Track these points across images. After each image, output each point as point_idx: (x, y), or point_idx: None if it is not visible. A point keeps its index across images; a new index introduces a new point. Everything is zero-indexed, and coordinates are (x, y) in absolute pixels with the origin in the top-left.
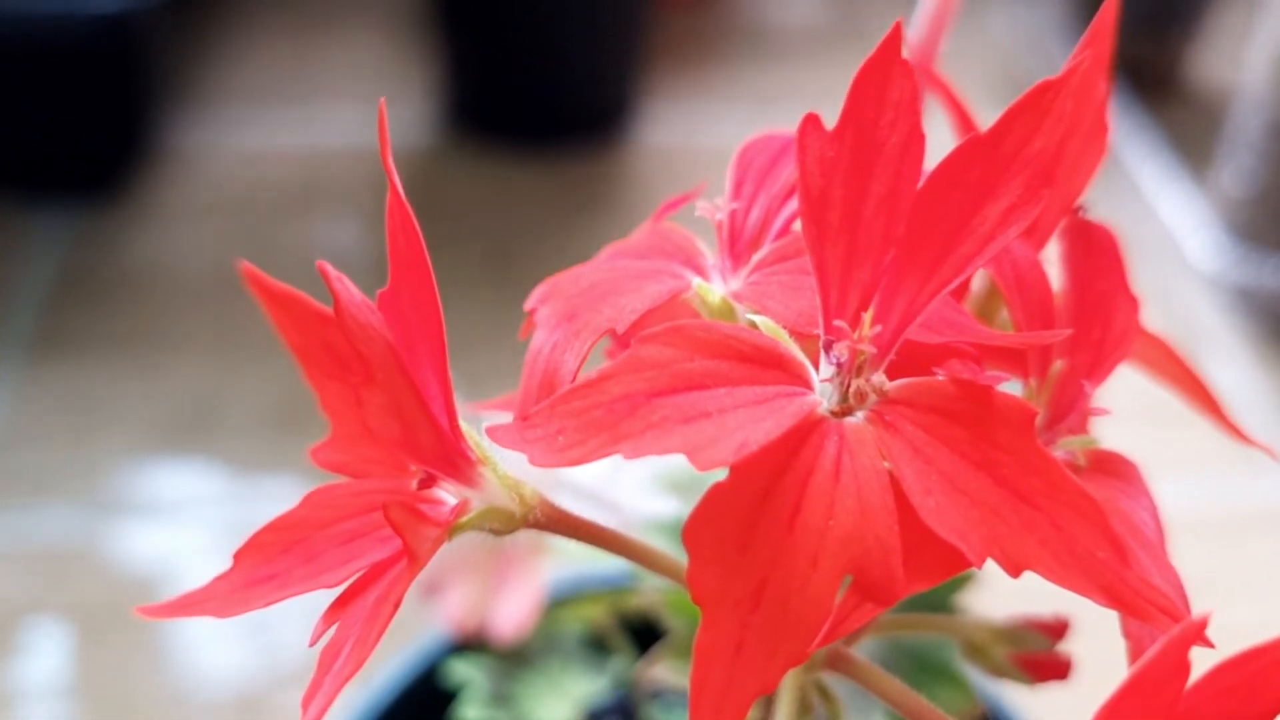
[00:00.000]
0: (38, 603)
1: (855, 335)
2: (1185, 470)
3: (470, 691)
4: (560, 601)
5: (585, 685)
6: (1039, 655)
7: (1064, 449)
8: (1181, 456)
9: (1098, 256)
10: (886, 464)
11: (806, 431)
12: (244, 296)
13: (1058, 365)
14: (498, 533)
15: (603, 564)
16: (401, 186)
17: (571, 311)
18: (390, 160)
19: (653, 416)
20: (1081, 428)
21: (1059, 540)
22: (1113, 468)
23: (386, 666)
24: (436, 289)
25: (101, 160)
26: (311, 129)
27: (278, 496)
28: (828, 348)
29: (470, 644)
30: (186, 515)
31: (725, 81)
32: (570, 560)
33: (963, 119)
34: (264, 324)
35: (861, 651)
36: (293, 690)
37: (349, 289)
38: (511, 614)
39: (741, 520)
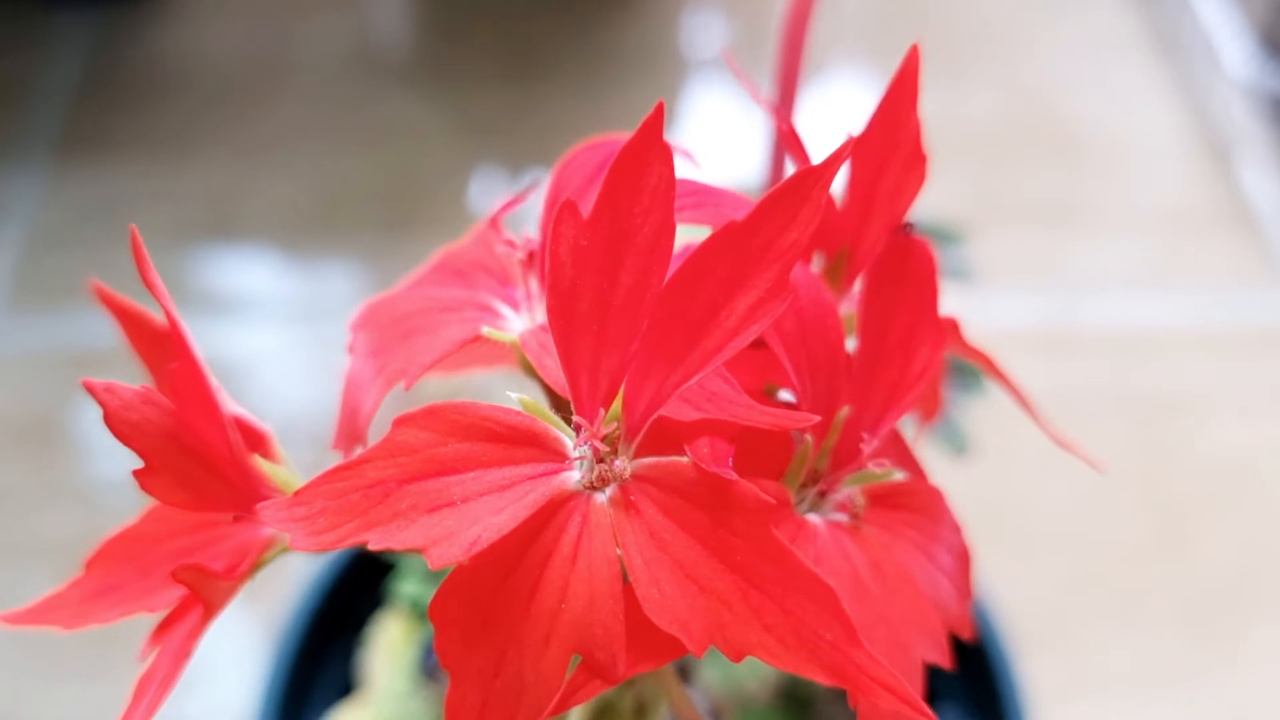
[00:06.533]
0: (75, 404)
1: (595, 428)
2: (1200, 281)
3: (408, 566)
4: None
5: None
6: None
7: (846, 491)
8: (1196, 268)
9: (908, 286)
10: (619, 551)
11: (552, 512)
12: (271, 89)
13: (844, 412)
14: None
15: None
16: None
17: (379, 346)
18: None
19: (400, 504)
20: (889, 457)
21: (785, 625)
22: (905, 501)
23: None
24: (204, 371)
25: None
26: None
27: (317, 289)
28: (577, 430)
29: None
30: (230, 309)
31: None
32: None
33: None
34: (291, 117)
35: None
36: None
37: (116, 394)
38: None
39: (482, 599)
